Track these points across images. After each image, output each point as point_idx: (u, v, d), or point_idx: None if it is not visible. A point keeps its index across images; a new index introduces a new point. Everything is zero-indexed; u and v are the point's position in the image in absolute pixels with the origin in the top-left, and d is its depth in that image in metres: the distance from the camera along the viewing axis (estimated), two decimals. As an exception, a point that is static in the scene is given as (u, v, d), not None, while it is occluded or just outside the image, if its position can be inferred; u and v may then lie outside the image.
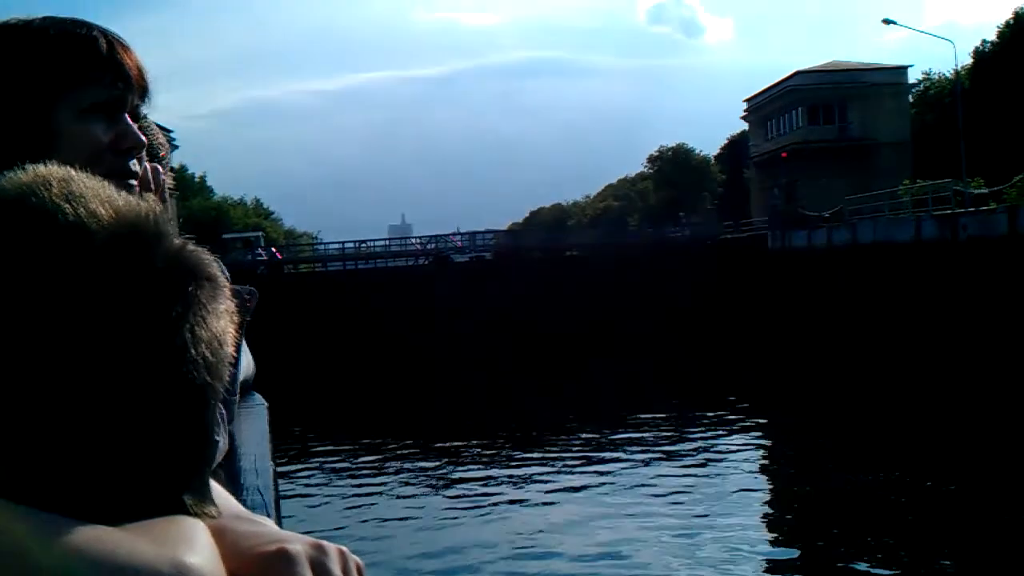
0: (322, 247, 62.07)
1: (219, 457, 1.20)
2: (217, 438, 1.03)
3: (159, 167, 1.44)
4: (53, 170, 0.72)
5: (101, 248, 0.67)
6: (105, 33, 1.25)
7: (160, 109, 1.36)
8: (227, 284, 0.75)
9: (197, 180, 74.30)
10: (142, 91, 1.28)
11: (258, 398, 1.97)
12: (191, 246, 0.74)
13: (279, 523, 1.11)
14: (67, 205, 0.68)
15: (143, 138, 1.27)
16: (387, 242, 59.28)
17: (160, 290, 0.68)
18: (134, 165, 1.27)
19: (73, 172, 0.72)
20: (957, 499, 14.60)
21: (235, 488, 1.25)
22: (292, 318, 32.30)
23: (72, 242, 0.66)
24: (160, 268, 0.69)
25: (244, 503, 1.14)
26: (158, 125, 1.63)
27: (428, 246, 52.94)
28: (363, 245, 53.68)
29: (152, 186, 1.38)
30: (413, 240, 60.75)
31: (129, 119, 1.25)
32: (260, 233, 62.80)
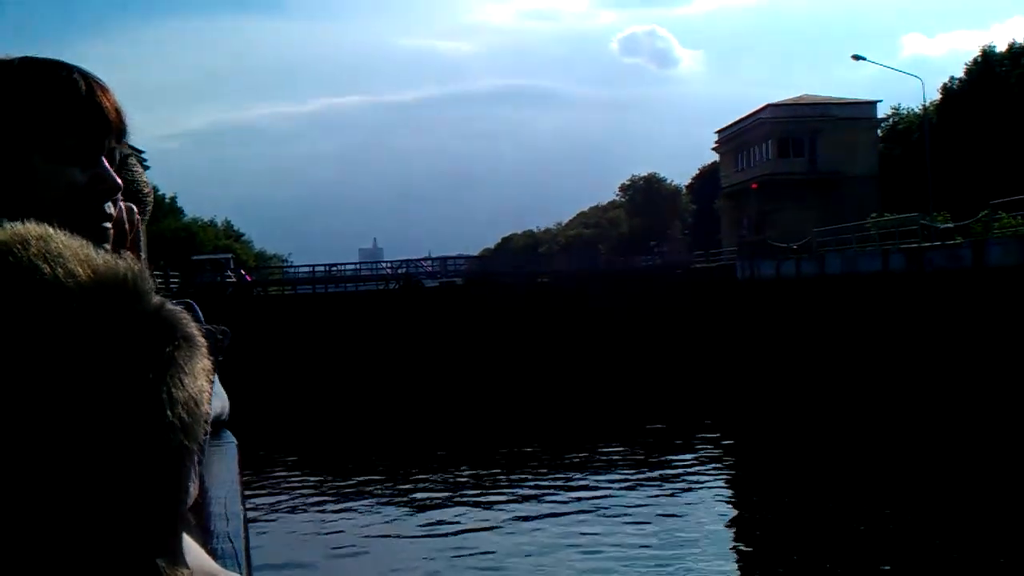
0: (292, 270, 61.79)
1: (189, 502, 1.16)
2: (188, 483, 1.05)
3: (133, 207, 1.43)
4: (31, 228, 0.71)
5: (78, 309, 0.65)
6: (85, 75, 1.24)
7: (131, 130, 1.34)
8: (204, 342, 0.74)
9: (168, 201, 73.92)
10: (119, 133, 1.28)
11: (228, 435, 1.91)
12: (169, 305, 0.72)
13: (249, 570, 1.10)
14: (45, 265, 0.67)
15: (119, 181, 1.27)
16: (358, 266, 59.14)
17: (137, 352, 0.67)
18: (109, 207, 1.26)
19: (51, 231, 0.71)
20: (915, 522, 14.69)
21: (205, 533, 1.23)
22: (260, 341, 32.11)
23: (49, 303, 0.65)
24: (137, 329, 0.68)
25: (214, 551, 1.14)
26: (129, 146, 1.63)
27: (399, 270, 52.85)
28: (333, 268, 53.51)
29: (127, 226, 1.37)
30: (384, 264, 60.68)
31: (106, 162, 1.25)
32: (230, 255, 62.47)
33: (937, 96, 55.73)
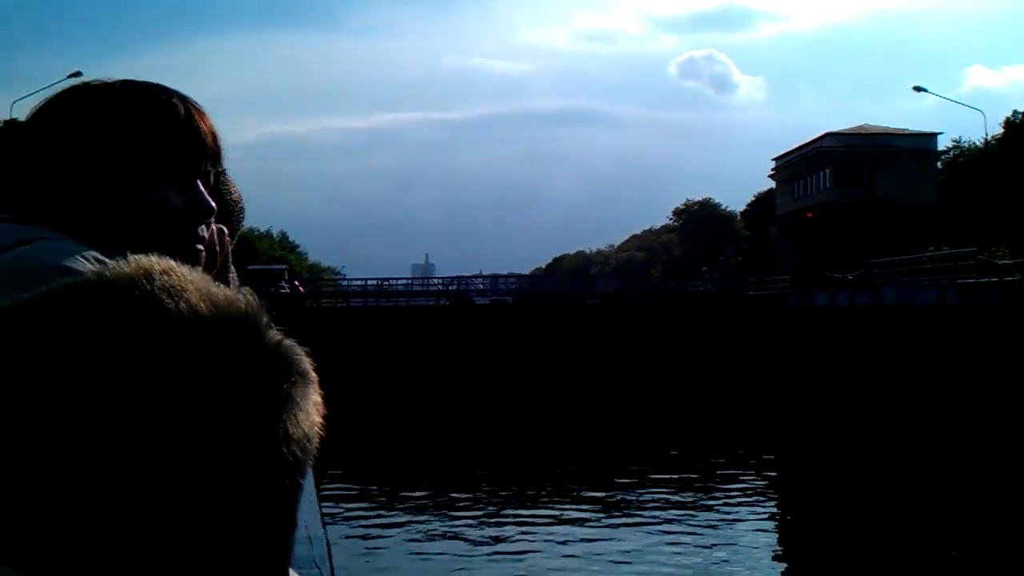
0: (345, 283, 62.33)
1: None
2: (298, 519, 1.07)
3: (224, 229, 1.44)
4: (155, 262, 0.71)
5: (201, 344, 0.66)
6: (184, 100, 1.26)
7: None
8: (316, 376, 0.75)
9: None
10: (215, 157, 1.30)
11: None
12: (287, 341, 0.73)
13: None
14: (169, 299, 0.67)
15: (213, 205, 1.28)
16: (409, 281, 59.54)
17: (257, 388, 0.68)
18: (202, 230, 1.28)
19: (174, 264, 0.71)
20: (967, 560, 14.47)
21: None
22: (311, 352, 32.28)
23: (173, 337, 0.66)
24: (257, 365, 0.68)
25: None
26: None
27: (450, 287, 53.09)
28: (385, 283, 53.90)
29: (218, 248, 1.38)
30: (435, 280, 61.00)
31: (201, 185, 1.27)
32: (284, 266, 63.17)
33: (999, 129, 55.03)
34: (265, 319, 0.72)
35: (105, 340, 0.65)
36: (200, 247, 1.28)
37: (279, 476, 0.68)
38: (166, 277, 0.69)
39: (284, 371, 0.70)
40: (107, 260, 0.99)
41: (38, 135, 1.20)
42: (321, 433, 0.75)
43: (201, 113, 1.28)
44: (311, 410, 0.73)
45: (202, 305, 0.68)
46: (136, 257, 0.72)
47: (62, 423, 0.62)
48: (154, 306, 0.67)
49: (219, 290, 0.71)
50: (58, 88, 1.26)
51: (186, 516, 0.63)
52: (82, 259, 1.04)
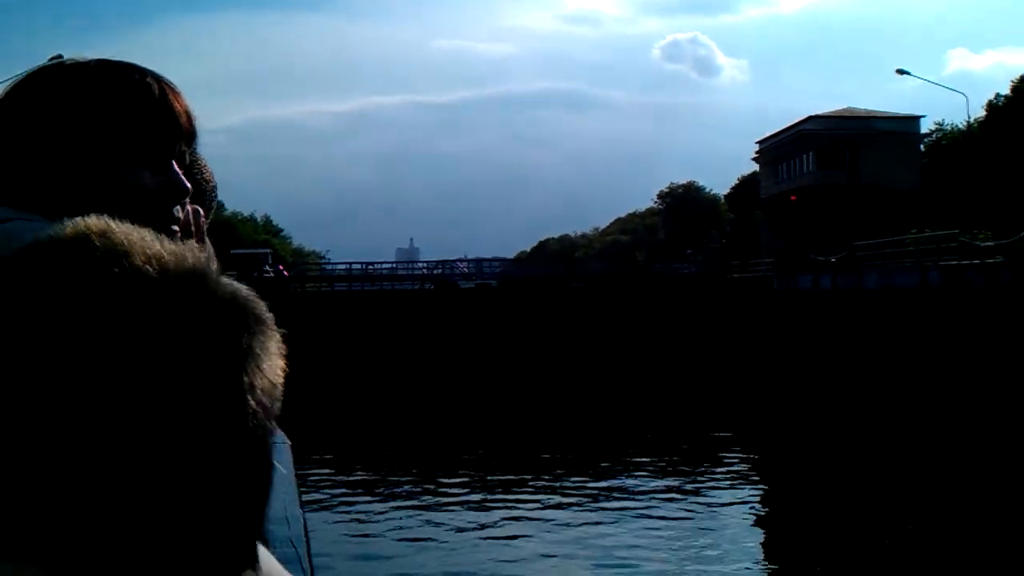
0: (329, 267, 62.20)
1: None
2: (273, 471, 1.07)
3: (199, 209, 1.42)
4: (92, 223, 0.70)
5: (148, 303, 0.64)
6: (158, 79, 1.24)
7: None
8: (273, 321, 0.73)
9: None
10: (190, 137, 1.29)
11: (279, 435, 1.79)
12: (242, 291, 0.72)
13: (312, 574, 1.06)
14: (113, 259, 0.66)
15: (188, 186, 1.27)
16: (394, 265, 59.46)
17: (213, 341, 0.66)
18: (177, 210, 1.28)
19: (113, 223, 0.70)
20: (945, 541, 14.58)
21: (262, 539, 1.23)
22: (295, 336, 32.24)
23: (120, 298, 0.64)
24: (211, 319, 0.67)
25: (275, 556, 1.11)
26: None
27: (434, 271, 53.04)
28: (370, 267, 53.80)
29: (192, 229, 1.37)
30: (420, 264, 60.93)
31: (176, 165, 1.26)
32: (268, 251, 62.99)
33: (982, 112, 55.23)
34: (216, 271, 0.71)
35: (49, 309, 0.63)
36: (175, 228, 1.27)
37: (248, 428, 0.66)
38: (107, 238, 0.68)
39: (241, 322, 0.68)
40: None
41: (11, 115, 1.18)
42: (284, 382, 0.73)
43: (176, 93, 1.26)
44: (273, 358, 0.71)
45: (148, 264, 0.66)
46: (73, 220, 0.71)
47: (24, 393, 0.61)
48: (95, 269, 0.65)
49: (166, 246, 0.69)
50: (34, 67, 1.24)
51: (155, 472, 0.61)
52: None
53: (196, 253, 0.71)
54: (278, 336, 0.74)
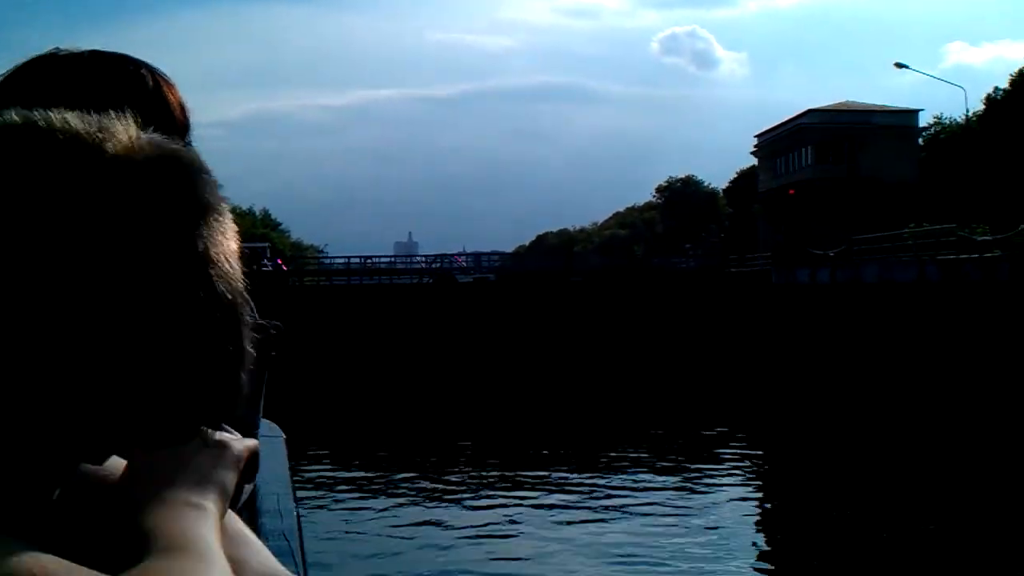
0: (328, 261, 62.20)
1: (244, 498, 1.13)
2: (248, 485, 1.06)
3: None
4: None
5: (124, 170, 0.70)
6: (152, 71, 1.23)
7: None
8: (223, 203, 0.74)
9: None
10: (183, 129, 1.27)
11: (274, 428, 1.75)
12: (202, 167, 0.75)
13: (304, 569, 1.08)
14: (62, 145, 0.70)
15: None
16: (392, 259, 59.53)
17: (180, 207, 0.69)
18: None
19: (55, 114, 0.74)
20: (947, 540, 14.62)
21: (255, 531, 1.16)
22: (294, 330, 32.28)
23: (85, 166, 0.69)
24: (175, 188, 0.70)
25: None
26: None
27: (433, 265, 53.03)
28: (368, 261, 53.80)
29: None
30: (418, 258, 60.92)
31: None
32: (267, 244, 62.93)
33: (980, 106, 55.23)
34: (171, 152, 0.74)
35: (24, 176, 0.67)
36: None
37: (219, 287, 0.69)
38: (62, 121, 0.72)
39: (201, 195, 0.72)
40: None
41: (3, 105, 1.15)
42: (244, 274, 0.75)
43: (170, 84, 1.26)
44: (231, 235, 0.73)
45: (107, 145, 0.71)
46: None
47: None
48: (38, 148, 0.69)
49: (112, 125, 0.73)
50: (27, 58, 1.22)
51: (138, 335, 0.64)
52: None
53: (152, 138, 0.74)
54: (231, 221, 0.75)
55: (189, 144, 1.31)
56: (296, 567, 1.01)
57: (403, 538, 15.20)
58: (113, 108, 1.14)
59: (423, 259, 57.63)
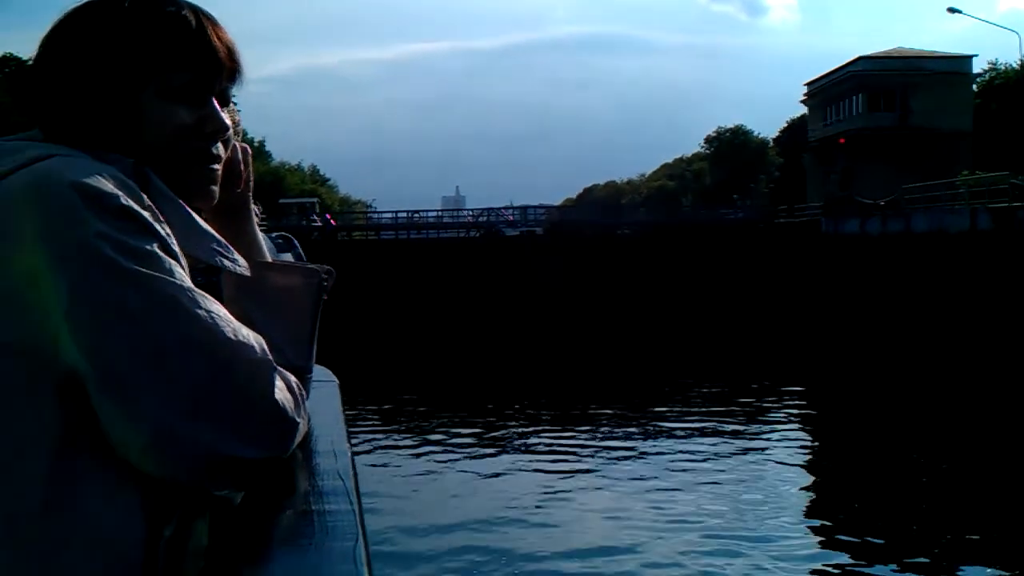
0: (376, 216, 62.52)
1: (299, 438, 1.17)
2: (298, 419, 1.15)
3: (247, 148, 1.41)
4: None
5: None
6: (196, 11, 1.22)
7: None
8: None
9: (256, 144, 75.19)
10: (232, 73, 1.27)
11: (328, 374, 1.79)
12: None
13: (360, 507, 1.11)
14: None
15: (227, 122, 1.25)
16: (439, 213, 59.69)
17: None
18: (218, 148, 1.26)
19: None
20: (1003, 492, 14.55)
21: (309, 471, 1.22)
22: (342, 284, 32.57)
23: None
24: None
25: (320, 488, 1.16)
26: None
27: (480, 219, 53.10)
28: (416, 215, 54.03)
29: (241, 167, 1.37)
30: (465, 212, 61.02)
31: (216, 102, 1.24)
32: (315, 200, 63.43)
33: (1036, 51, 53.97)
34: None
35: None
36: (215, 166, 1.26)
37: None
38: None
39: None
40: (124, 178, 1.07)
41: (51, 51, 1.19)
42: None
43: (216, 26, 1.24)
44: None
45: None
46: None
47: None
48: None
49: None
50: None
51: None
52: (98, 176, 1.04)
53: None
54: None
55: (236, 87, 1.30)
56: (351, 504, 1.12)
57: (452, 484, 15.47)
58: (153, 48, 1.18)
59: (470, 213, 57.72)
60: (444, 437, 19.17)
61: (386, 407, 22.46)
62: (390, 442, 18.62)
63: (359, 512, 1.08)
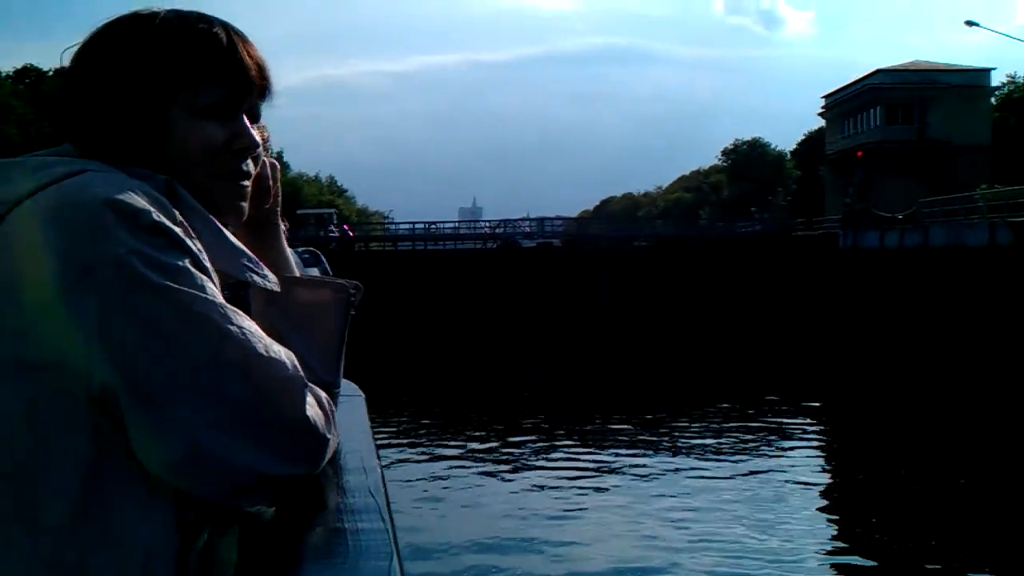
0: (393, 227, 62.66)
1: (329, 454, 1.17)
2: (329, 436, 1.14)
3: (275, 163, 1.43)
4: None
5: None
6: (227, 28, 1.23)
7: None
8: None
9: (275, 156, 75.49)
10: (262, 90, 1.27)
11: (354, 388, 1.75)
12: None
13: (392, 524, 1.09)
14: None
15: (258, 139, 1.26)
16: (456, 224, 59.72)
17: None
18: (248, 165, 1.26)
19: None
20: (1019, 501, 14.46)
21: (340, 488, 1.21)
22: (364, 295, 32.57)
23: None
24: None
25: (352, 506, 1.15)
26: None
27: (497, 230, 53.15)
28: (433, 226, 54.12)
29: (270, 183, 1.40)
30: (482, 223, 61.05)
31: (246, 119, 1.25)
32: (333, 211, 63.59)
33: (1057, 64, 53.78)
34: None
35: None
36: (245, 183, 1.26)
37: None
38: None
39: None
40: (156, 194, 1.07)
41: (83, 66, 1.19)
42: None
43: (247, 44, 1.24)
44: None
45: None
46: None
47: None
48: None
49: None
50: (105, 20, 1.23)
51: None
52: (131, 192, 1.04)
53: None
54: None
55: (267, 103, 1.30)
56: (384, 523, 1.11)
57: (480, 497, 15.47)
58: (185, 66, 1.18)
59: (487, 224, 57.75)
60: (462, 451, 19.14)
61: (403, 419, 22.45)
62: (407, 455, 18.60)
63: (392, 531, 1.07)
